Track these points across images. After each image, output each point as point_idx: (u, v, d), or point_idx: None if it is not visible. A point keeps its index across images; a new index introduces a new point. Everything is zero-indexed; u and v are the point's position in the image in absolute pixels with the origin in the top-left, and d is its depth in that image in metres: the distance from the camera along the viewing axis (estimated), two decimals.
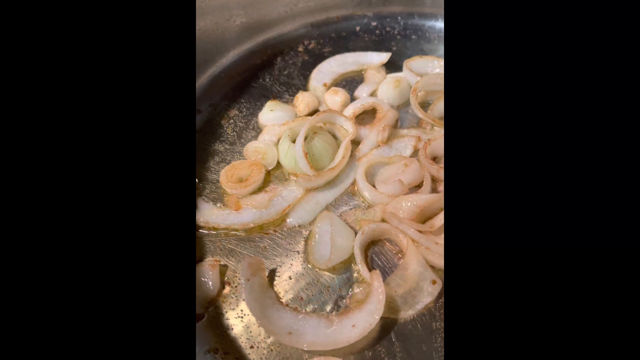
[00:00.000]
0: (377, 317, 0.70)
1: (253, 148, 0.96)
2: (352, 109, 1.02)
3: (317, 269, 0.80)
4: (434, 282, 0.75)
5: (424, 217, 0.84)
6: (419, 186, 0.88)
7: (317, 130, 0.96)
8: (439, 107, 1.02)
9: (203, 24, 1.11)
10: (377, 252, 0.83)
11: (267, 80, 1.16)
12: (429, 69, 1.10)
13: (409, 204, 0.81)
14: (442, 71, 1.08)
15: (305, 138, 0.93)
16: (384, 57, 1.15)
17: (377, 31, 1.27)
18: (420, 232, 0.78)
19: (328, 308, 0.76)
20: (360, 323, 0.70)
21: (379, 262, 0.81)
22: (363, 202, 0.90)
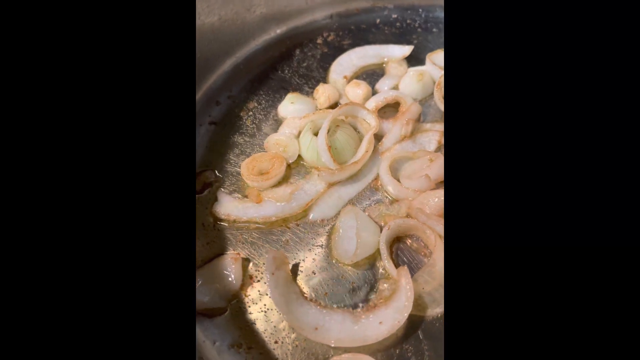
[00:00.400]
0: (406, 315, 0.68)
1: (274, 141, 0.94)
2: (375, 102, 1.00)
3: (340, 264, 0.79)
4: None
5: None
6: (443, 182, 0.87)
7: (339, 124, 0.94)
8: None
9: (224, 12, 1.09)
10: (401, 248, 0.81)
11: (286, 72, 1.14)
12: None
13: (437, 199, 0.79)
14: None
15: (328, 131, 0.91)
16: (407, 50, 1.13)
17: (398, 24, 1.25)
18: None
19: (353, 304, 0.74)
20: (387, 320, 0.69)
21: (404, 259, 0.80)
22: (386, 197, 0.88)
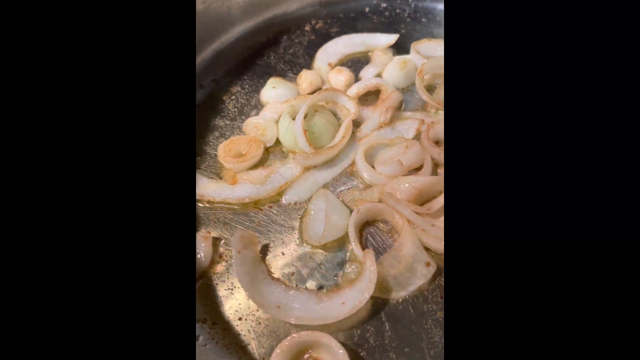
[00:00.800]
0: (367, 296, 0.69)
1: (253, 124, 0.94)
2: (356, 89, 1.00)
3: (310, 246, 0.80)
4: (427, 264, 0.73)
5: (422, 200, 0.82)
6: (419, 169, 0.87)
7: (318, 109, 0.94)
8: (442, 92, 1.00)
9: None
10: (372, 232, 0.81)
11: (272, 58, 1.15)
12: (437, 52, 1.07)
13: (407, 185, 0.80)
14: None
15: (306, 116, 0.91)
16: (392, 38, 1.12)
17: (387, 13, 1.24)
18: (417, 213, 0.77)
19: (320, 285, 0.75)
20: (350, 301, 0.69)
21: (374, 243, 0.80)
22: (362, 183, 0.88)
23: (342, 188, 0.88)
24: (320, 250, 0.79)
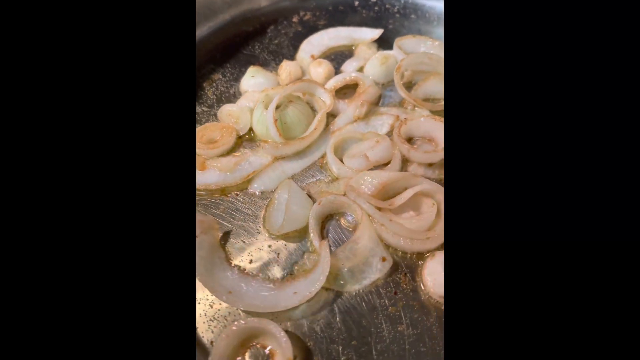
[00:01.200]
0: (318, 287, 0.69)
1: (227, 111, 0.95)
2: (334, 82, 1.00)
3: (272, 236, 0.80)
4: (383, 259, 0.73)
5: (387, 195, 0.82)
6: (388, 165, 0.86)
7: (293, 100, 0.94)
8: (424, 87, 0.99)
9: None
10: (335, 226, 0.81)
11: (257, 47, 1.15)
12: (420, 49, 1.06)
13: (371, 179, 0.79)
14: (432, 51, 1.05)
15: (279, 106, 0.92)
16: (376, 33, 1.12)
17: (376, 7, 1.24)
18: (379, 208, 0.77)
19: (277, 274, 0.75)
20: (301, 291, 0.70)
21: (336, 236, 0.80)
22: (331, 176, 0.88)
23: (311, 180, 0.88)
24: (282, 241, 0.80)
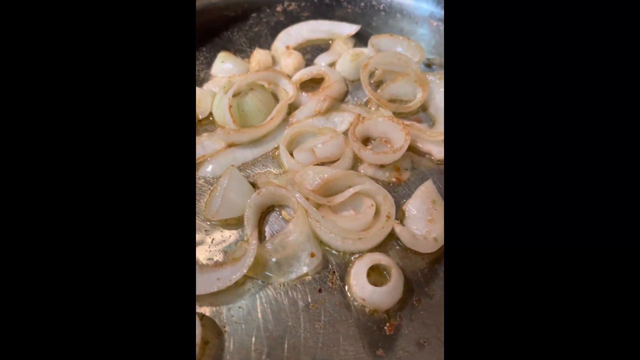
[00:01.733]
0: (239, 275, 0.69)
1: None
2: (300, 74, 0.99)
3: (211, 222, 0.80)
4: (312, 255, 0.73)
5: (331, 192, 0.81)
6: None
7: (255, 88, 0.94)
8: (391, 88, 0.97)
9: None
10: (276, 217, 0.81)
11: (235, 34, 1.15)
12: (397, 48, 1.05)
13: (314, 174, 0.79)
14: (407, 52, 1.03)
15: (239, 93, 0.91)
16: (353, 29, 1.10)
17: (362, 3, 1.22)
18: (319, 204, 0.76)
19: (207, 259, 0.76)
20: (223, 277, 0.70)
21: (276, 227, 0.80)
22: (282, 168, 0.88)
23: (260, 170, 0.88)
24: (220, 227, 0.80)
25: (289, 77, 0.97)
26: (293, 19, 1.18)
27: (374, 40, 1.05)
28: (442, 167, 0.88)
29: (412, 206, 0.79)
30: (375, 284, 0.70)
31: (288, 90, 0.96)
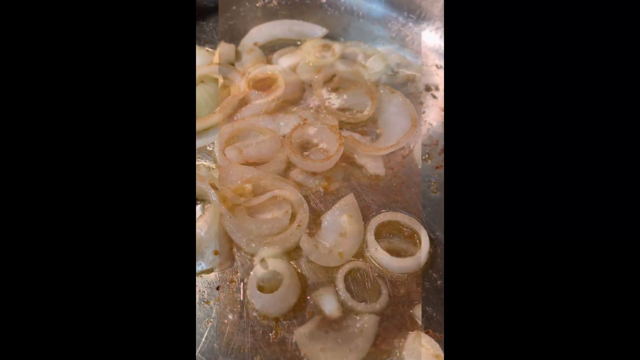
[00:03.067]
0: None
1: None
2: (255, 72, 0.99)
3: None
4: (215, 253, 0.73)
5: (258, 194, 0.81)
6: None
7: (205, 81, 0.95)
8: (343, 97, 0.96)
9: None
10: (199, 211, 0.82)
11: (210, 25, 1.15)
12: (358, 57, 1.03)
13: (235, 173, 0.79)
14: (368, 62, 1.01)
15: None
16: (322, 32, 1.09)
17: (342, 8, 1.21)
18: (235, 205, 0.76)
19: None
20: None
21: None
22: (214, 163, 0.88)
23: (196, 162, 0.89)
24: None
25: (243, 74, 0.98)
26: (270, 16, 1.18)
27: (338, 46, 1.04)
28: (374, 182, 0.86)
29: (329, 218, 0.78)
30: (272, 290, 0.70)
31: (240, 86, 0.96)
